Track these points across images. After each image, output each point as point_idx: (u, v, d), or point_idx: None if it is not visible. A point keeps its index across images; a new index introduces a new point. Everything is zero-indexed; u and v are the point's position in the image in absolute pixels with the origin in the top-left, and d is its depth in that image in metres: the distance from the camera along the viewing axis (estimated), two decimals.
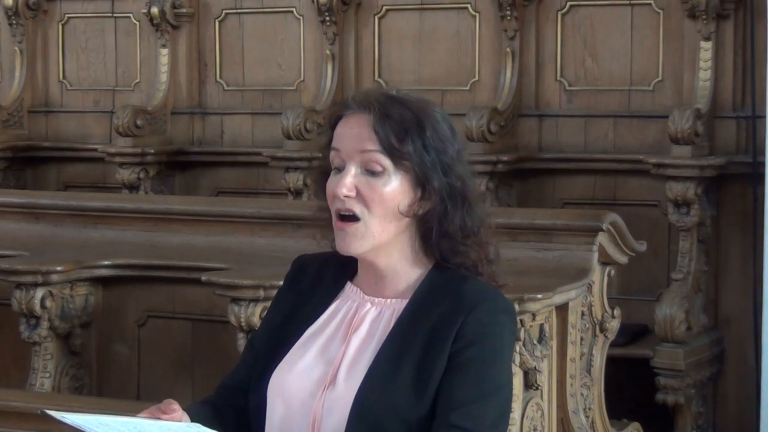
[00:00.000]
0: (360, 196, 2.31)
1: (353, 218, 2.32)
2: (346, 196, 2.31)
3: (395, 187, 2.32)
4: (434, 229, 2.34)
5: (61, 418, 2.21)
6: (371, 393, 2.26)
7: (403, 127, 2.31)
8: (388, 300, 2.38)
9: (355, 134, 2.33)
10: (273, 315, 2.48)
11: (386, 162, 2.31)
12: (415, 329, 2.31)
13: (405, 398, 2.25)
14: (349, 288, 2.43)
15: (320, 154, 2.46)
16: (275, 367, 2.37)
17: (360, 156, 2.32)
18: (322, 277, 2.46)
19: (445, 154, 2.34)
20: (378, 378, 2.27)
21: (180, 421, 2.29)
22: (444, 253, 2.36)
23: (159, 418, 2.27)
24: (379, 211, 2.31)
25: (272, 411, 2.35)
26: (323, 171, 2.41)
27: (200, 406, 2.43)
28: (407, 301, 2.35)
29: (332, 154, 2.36)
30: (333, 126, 2.39)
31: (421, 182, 2.32)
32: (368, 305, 2.39)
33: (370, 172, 2.32)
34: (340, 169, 2.34)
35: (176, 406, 2.29)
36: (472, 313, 2.28)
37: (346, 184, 2.31)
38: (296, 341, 2.39)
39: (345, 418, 2.25)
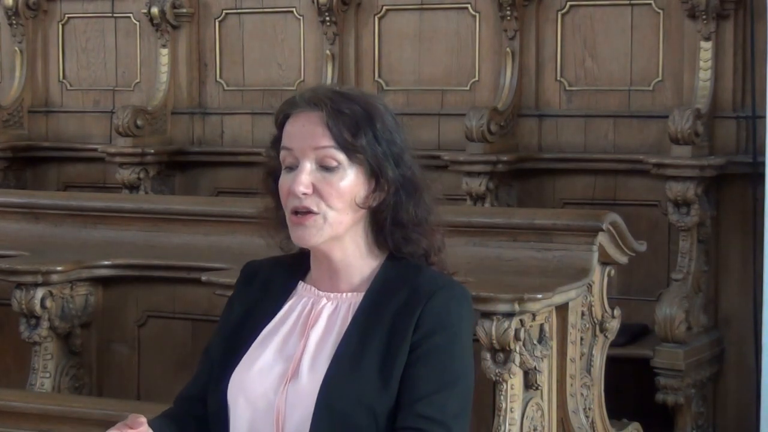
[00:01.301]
0: (317, 193, 2.34)
1: (310, 212, 2.34)
2: (304, 194, 2.33)
3: (351, 181, 2.35)
4: (387, 219, 2.38)
5: None
6: (336, 384, 2.27)
7: (355, 121, 2.35)
8: (344, 294, 2.40)
9: (307, 131, 2.35)
10: (225, 322, 2.50)
11: (341, 157, 2.34)
12: (374, 321, 2.33)
13: (370, 388, 2.27)
14: (302, 287, 2.45)
15: (264, 154, 2.47)
16: (233, 369, 2.37)
17: (314, 153, 2.34)
18: (272, 280, 2.48)
19: (395, 145, 2.38)
20: (342, 369, 2.29)
21: None
22: (396, 242, 2.39)
23: None
24: (336, 205, 2.34)
25: (235, 411, 2.36)
26: (270, 171, 2.44)
27: (162, 419, 2.44)
28: (363, 294, 2.38)
29: (283, 153, 2.38)
30: (281, 126, 2.41)
31: (374, 174, 2.36)
32: (324, 300, 2.41)
33: (326, 168, 2.34)
34: (293, 168, 2.36)
35: (143, 419, 2.29)
36: (429, 303, 2.32)
37: (303, 181, 2.33)
38: (252, 342, 2.40)
39: (310, 411, 2.27)
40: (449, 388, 2.29)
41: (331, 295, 2.41)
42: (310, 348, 2.35)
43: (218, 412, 2.37)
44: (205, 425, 2.41)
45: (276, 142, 2.42)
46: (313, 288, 2.43)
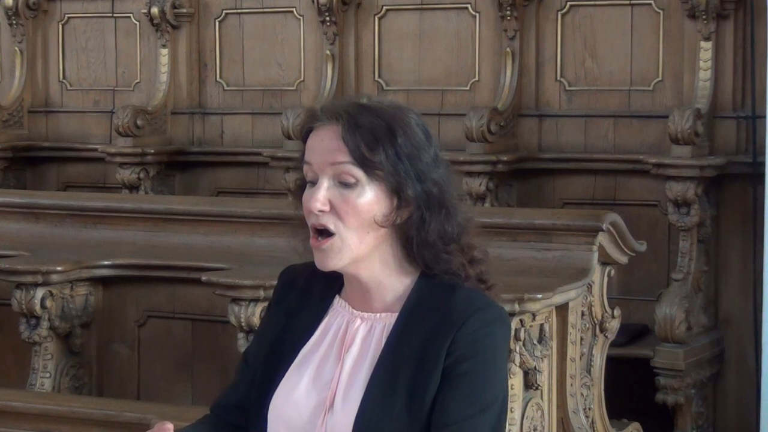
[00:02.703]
0: (334, 210, 2.26)
1: (327, 233, 2.27)
2: (320, 211, 2.26)
3: (370, 198, 2.26)
4: (413, 238, 2.29)
5: None
6: (369, 418, 2.23)
7: (374, 135, 2.25)
8: (378, 314, 2.33)
9: (325, 146, 2.27)
10: (265, 332, 2.45)
11: (358, 173, 2.25)
12: (407, 345, 2.27)
13: (401, 419, 2.23)
14: (338, 302, 2.39)
15: (298, 167, 2.40)
16: (274, 391, 2.34)
17: (331, 168, 2.26)
18: (310, 291, 2.42)
19: (419, 161, 2.28)
20: (375, 400, 2.25)
21: None
22: (426, 261, 2.31)
23: None
24: (354, 224, 2.26)
25: None
26: (300, 185, 2.36)
27: (198, 426, 2.41)
28: (396, 314, 2.31)
29: (305, 168, 2.30)
30: (305, 139, 2.33)
31: (396, 191, 2.27)
32: (358, 321, 2.34)
33: (343, 185, 2.26)
34: (314, 183, 2.29)
35: (170, 426, 2.26)
36: (463, 327, 2.24)
37: (319, 198, 2.26)
38: (291, 361, 2.36)
39: None
40: (480, 414, 2.23)
41: (365, 315, 2.34)
42: (345, 375, 2.30)
43: (261, 429, 2.33)
44: None
45: (302, 157, 2.34)
46: (347, 305, 2.37)
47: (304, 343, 2.37)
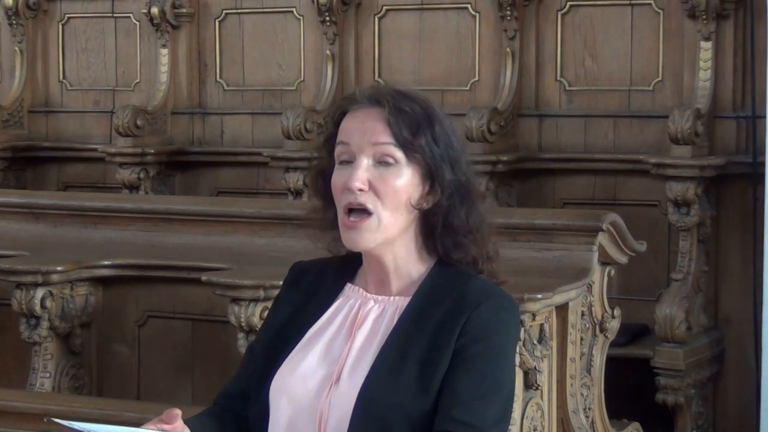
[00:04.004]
0: (372, 189, 2.31)
1: (365, 212, 2.31)
2: (360, 189, 2.30)
3: (407, 180, 2.32)
4: (439, 223, 2.35)
5: (67, 425, 2.20)
6: (375, 389, 2.26)
7: (416, 121, 2.32)
8: (391, 298, 2.38)
9: (367, 127, 2.32)
10: (272, 321, 2.47)
11: (399, 155, 2.32)
12: (419, 326, 2.31)
13: (409, 394, 2.25)
14: (350, 288, 2.43)
15: (318, 154, 2.45)
16: (278, 369, 2.35)
17: (372, 149, 2.31)
18: (321, 281, 2.46)
19: (453, 149, 2.36)
20: (382, 374, 2.27)
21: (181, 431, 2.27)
22: (446, 248, 2.36)
23: (162, 429, 2.25)
24: (391, 204, 2.32)
25: (277, 411, 2.33)
26: (321, 170, 2.40)
27: (201, 417, 2.42)
28: (410, 298, 2.35)
29: (339, 148, 2.35)
30: (337, 122, 2.38)
31: (430, 176, 2.33)
32: (371, 303, 2.38)
33: (383, 165, 2.32)
34: (350, 162, 2.33)
35: (178, 411, 2.27)
36: (477, 311, 2.29)
37: (360, 177, 2.30)
38: (298, 342, 2.38)
39: (349, 414, 2.26)
40: (489, 395, 2.26)
41: (379, 298, 2.39)
42: (354, 351, 2.33)
43: (260, 412, 2.35)
44: (245, 424, 2.39)
45: (328, 141, 2.39)
46: (360, 290, 2.41)
47: (313, 324, 2.40)
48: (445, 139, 2.35)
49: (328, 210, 2.40)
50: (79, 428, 2.18)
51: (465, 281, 2.35)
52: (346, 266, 2.45)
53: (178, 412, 2.27)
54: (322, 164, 2.41)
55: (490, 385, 2.27)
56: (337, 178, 2.34)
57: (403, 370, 2.27)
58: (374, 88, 2.39)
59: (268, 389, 2.35)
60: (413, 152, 2.32)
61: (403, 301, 2.36)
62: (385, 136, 2.31)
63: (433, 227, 2.36)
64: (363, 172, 2.31)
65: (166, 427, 2.25)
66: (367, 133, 2.32)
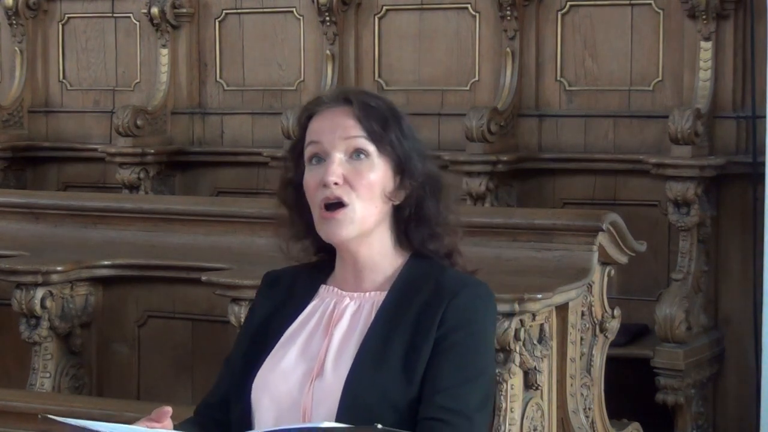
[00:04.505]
0: (347, 183, 2.36)
1: (341, 205, 2.35)
2: (335, 183, 2.34)
3: (381, 172, 2.38)
4: (412, 215, 2.40)
5: (63, 421, 2.21)
6: (360, 380, 2.29)
7: (383, 115, 2.39)
8: (367, 293, 2.42)
9: (337, 124, 2.38)
10: (247, 329, 2.51)
11: (371, 148, 2.38)
12: (398, 317, 2.35)
13: (394, 383, 2.29)
14: (324, 289, 2.47)
15: (284, 164, 2.49)
16: (257, 371, 2.38)
17: (344, 143, 2.37)
18: (294, 286, 2.49)
19: (419, 143, 2.44)
20: (366, 365, 2.31)
21: (171, 429, 2.29)
22: (422, 239, 2.42)
23: (152, 428, 2.26)
24: (366, 195, 2.36)
25: (260, 411, 2.36)
26: (289, 179, 2.45)
27: (184, 425, 2.44)
28: (386, 292, 2.39)
29: (310, 148, 2.40)
30: (304, 126, 2.43)
31: (401, 169, 2.40)
32: (347, 300, 2.42)
33: (356, 159, 2.37)
34: (322, 159, 2.37)
35: (168, 408, 2.29)
36: (455, 300, 2.34)
37: (335, 171, 2.35)
38: (276, 343, 2.41)
39: (335, 406, 2.28)
40: (471, 381, 2.31)
41: (354, 294, 2.43)
42: (334, 346, 2.37)
43: (242, 415, 2.38)
44: (227, 429, 2.41)
45: (294, 148, 2.45)
46: (335, 289, 2.45)
47: (289, 325, 2.43)
48: (411, 134, 2.43)
49: (296, 220, 2.44)
50: (74, 424, 2.18)
51: (440, 272, 2.40)
52: (319, 270, 2.49)
53: (168, 409, 2.29)
54: (288, 175, 2.45)
55: (471, 371, 2.31)
56: (310, 177, 2.38)
57: (387, 361, 2.30)
58: (338, 89, 2.52)
59: (250, 390, 2.37)
60: (384, 145, 2.38)
61: (379, 296, 2.40)
62: (356, 130, 2.37)
63: (407, 220, 2.41)
64: (337, 166, 2.36)
65: (155, 425, 2.27)
66: (337, 129, 2.38)
